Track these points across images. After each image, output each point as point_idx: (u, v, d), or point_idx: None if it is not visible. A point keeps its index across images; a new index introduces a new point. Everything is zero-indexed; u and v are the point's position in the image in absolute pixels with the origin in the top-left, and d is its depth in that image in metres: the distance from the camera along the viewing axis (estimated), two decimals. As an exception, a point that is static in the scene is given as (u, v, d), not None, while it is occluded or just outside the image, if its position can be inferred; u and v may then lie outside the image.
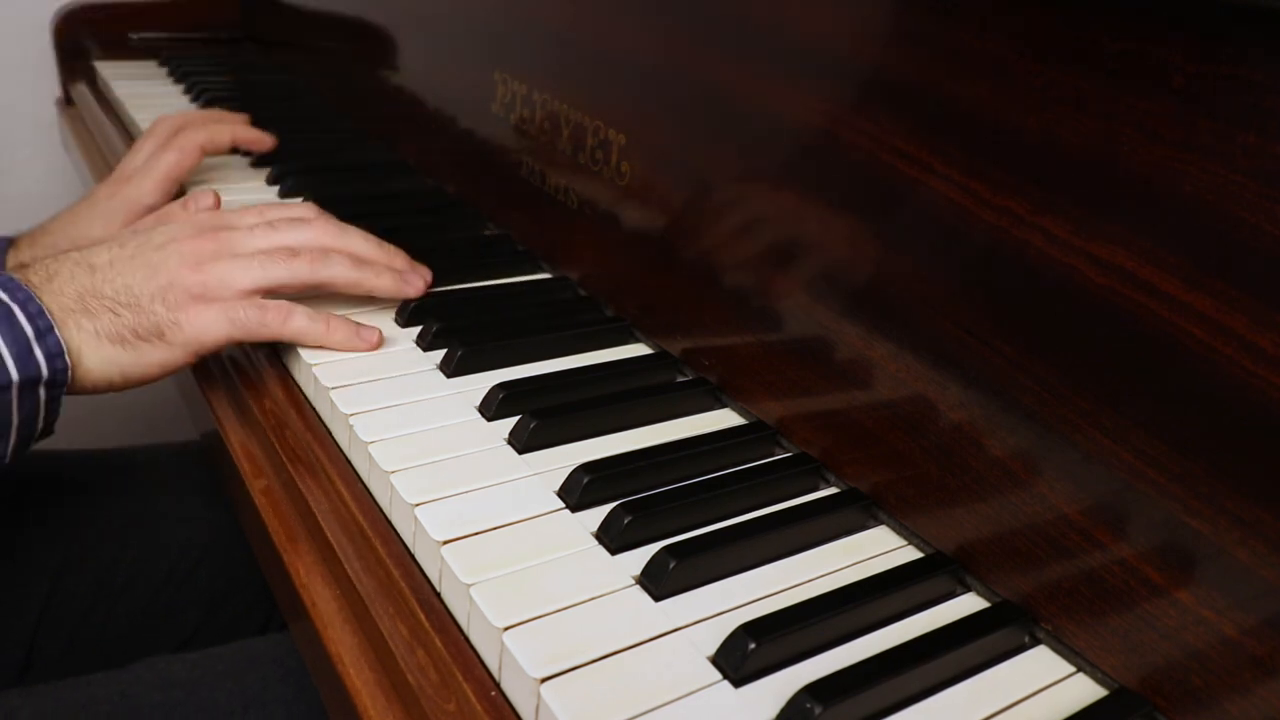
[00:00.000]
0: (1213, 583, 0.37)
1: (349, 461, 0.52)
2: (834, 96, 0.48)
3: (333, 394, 0.53)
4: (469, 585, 0.41)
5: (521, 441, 0.51)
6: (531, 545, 0.44)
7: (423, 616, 0.42)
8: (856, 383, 0.49)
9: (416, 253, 0.73)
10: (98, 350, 0.53)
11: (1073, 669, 0.41)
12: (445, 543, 0.43)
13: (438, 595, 0.43)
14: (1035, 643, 0.43)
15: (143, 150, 0.79)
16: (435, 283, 0.66)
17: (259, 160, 0.89)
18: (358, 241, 0.62)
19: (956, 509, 0.45)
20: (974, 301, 0.43)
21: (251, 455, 0.56)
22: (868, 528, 0.49)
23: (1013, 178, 0.41)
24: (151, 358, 0.54)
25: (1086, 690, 0.41)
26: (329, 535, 0.48)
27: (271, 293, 0.57)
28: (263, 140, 0.87)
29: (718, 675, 0.38)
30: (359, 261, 0.60)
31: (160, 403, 1.40)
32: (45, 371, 0.50)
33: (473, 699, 0.38)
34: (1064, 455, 0.41)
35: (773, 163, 0.53)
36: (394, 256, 0.63)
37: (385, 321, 0.62)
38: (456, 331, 0.60)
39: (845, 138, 0.48)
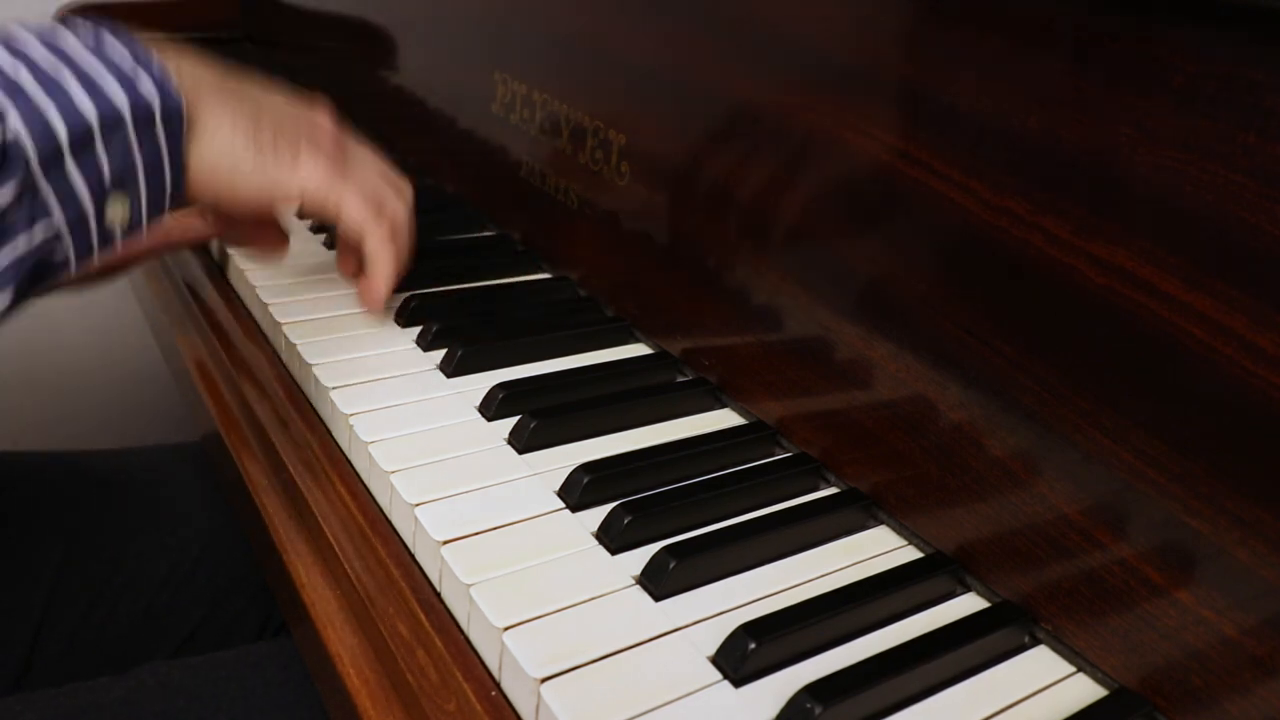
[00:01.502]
0: (1213, 583, 0.37)
1: (349, 461, 0.52)
2: (834, 97, 0.48)
3: (333, 394, 0.53)
4: (469, 585, 0.41)
5: (521, 441, 0.51)
6: (531, 545, 0.44)
7: (423, 616, 0.42)
8: (856, 383, 0.49)
9: (416, 253, 0.73)
10: (226, 136, 0.48)
11: (1073, 669, 0.41)
12: (445, 543, 0.43)
13: (438, 595, 0.43)
14: (1035, 643, 0.43)
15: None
16: (436, 283, 0.66)
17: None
18: (406, 241, 0.61)
19: (956, 509, 0.45)
20: (974, 301, 0.43)
21: (252, 455, 0.56)
22: (868, 528, 0.49)
23: (1013, 178, 0.41)
24: (270, 173, 0.50)
25: (1086, 690, 0.41)
26: (329, 535, 0.48)
27: (341, 224, 0.57)
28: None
29: (718, 675, 0.38)
30: (399, 255, 0.60)
31: (160, 403, 1.40)
32: (158, 101, 0.44)
33: (473, 699, 0.38)
34: (1064, 455, 0.41)
35: (773, 163, 0.53)
36: (403, 266, 0.62)
37: (386, 321, 0.62)
38: (456, 331, 0.60)
39: (845, 138, 0.48)
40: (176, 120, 0.45)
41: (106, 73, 0.43)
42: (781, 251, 0.52)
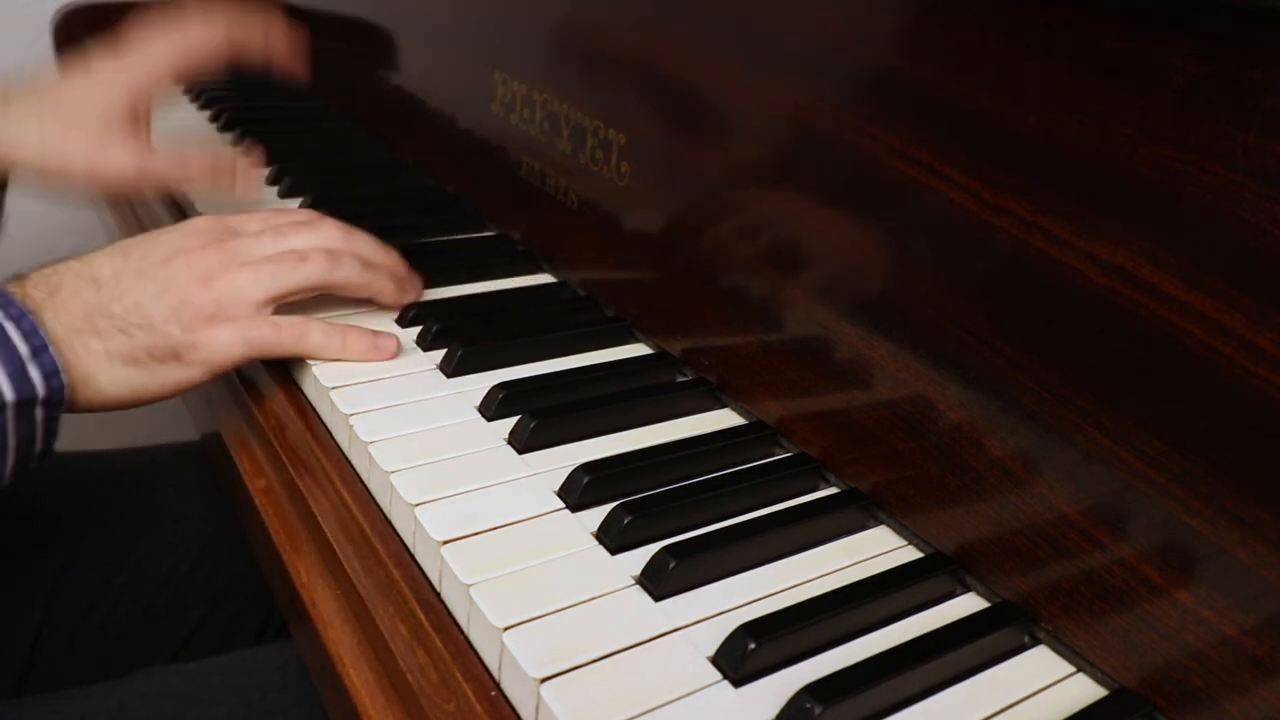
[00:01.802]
0: (1213, 583, 0.37)
1: (349, 461, 0.52)
2: (834, 97, 0.48)
3: (332, 394, 0.53)
4: (469, 585, 0.41)
5: (521, 441, 0.51)
6: (531, 545, 0.44)
7: (423, 616, 0.42)
8: (856, 383, 0.49)
9: (416, 253, 0.73)
10: (110, 371, 0.51)
11: (1073, 669, 0.41)
12: (445, 543, 0.43)
13: (438, 595, 0.43)
14: (1035, 643, 0.43)
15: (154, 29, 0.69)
16: (435, 283, 0.66)
17: (259, 160, 0.88)
18: (364, 244, 0.60)
19: (956, 509, 0.45)
20: (974, 301, 0.43)
21: (251, 455, 0.56)
22: (868, 528, 0.49)
23: (1013, 178, 0.41)
24: (167, 378, 0.53)
25: (1086, 690, 0.41)
26: (329, 535, 0.48)
27: (285, 300, 0.56)
28: (295, 67, 0.77)
29: (718, 675, 0.38)
30: (367, 264, 0.59)
31: (161, 404, 1.40)
32: (41, 391, 0.48)
33: (473, 699, 0.38)
34: (1064, 455, 0.41)
35: (773, 163, 0.53)
36: (396, 261, 0.62)
37: (386, 321, 0.62)
38: (456, 331, 0.60)
39: (845, 138, 0.48)
40: (57, 403, 0.49)
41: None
42: (781, 251, 0.52)
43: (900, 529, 0.48)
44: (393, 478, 0.47)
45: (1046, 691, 0.40)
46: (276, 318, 0.55)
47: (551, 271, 0.72)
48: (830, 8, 0.48)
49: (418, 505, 0.45)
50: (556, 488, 0.48)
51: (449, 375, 0.57)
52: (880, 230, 0.47)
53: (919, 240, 0.46)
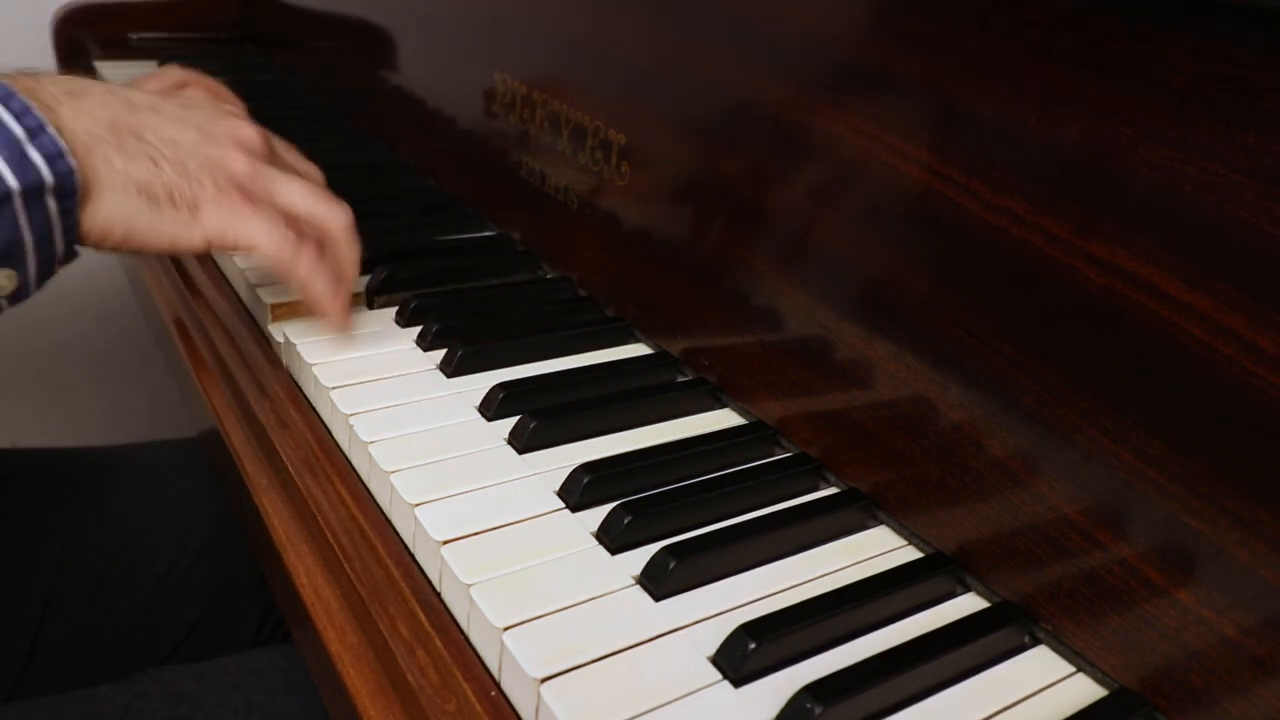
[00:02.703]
0: (1213, 583, 0.37)
1: (349, 461, 0.52)
2: (833, 97, 0.48)
3: (333, 394, 0.53)
4: (469, 585, 0.41)
5: (521, 441, 0.51)
6: (531, 545, 0.44)
7: (423, 616, 0.42)
8: (856, 383, 0.49)
9: (416, 253, 0.73)
10: (120, 194, 0.46)
11: (1073, 669, 0.41)
12: (445, 543, 0.43)
13: (438, 595, 0.43)
14: (1035, 643, 0.43)
15: (147, 87, 0.75)
16: (435, 283, 0.66)
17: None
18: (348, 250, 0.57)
19: (956, 509, 0.45)
20: (974, 301, 0.43)
21: (251, 455, 0.56)
22: (868, 528, 0.49)
23: (1013, 178, 0.41)
24: (169, 227, 0.48)
25: (1086, 690, 0.41)
26: (329, 535, 0.48)
27: (304, 223, 0.54)
28: None
29: (718, 675, 0.38)
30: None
31: (159, 401, 1.40)
32: (48, 175, 0.43)
33: (473, 699, 0.38)
34: (1064, 455, 0.41)
35: (772, 163, 0.53)
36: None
37: (386, 322, 0.62)
38: (456, 331, 0.60)
39: (845, 138, 0.48)
40: (69, 191, 0.45)
41: None
42: (781, 251, 0.52)
43: (900, 529, 0.48)
44: (393, 478, 0.47)
45: (1046, 691, 0.40)
46: (300, 236, 0.52)
47: (551, 271, 0.72)
48: (830, 7, 0.48)
49: (418, 505, 0.45)
50: (556, 488, 0.48)
51: (449, 375, 0.57)
52: (880, 230, 0.47)
53: (919, 240, 0.46)
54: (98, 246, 0.48)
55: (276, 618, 0.77)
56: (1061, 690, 0.40)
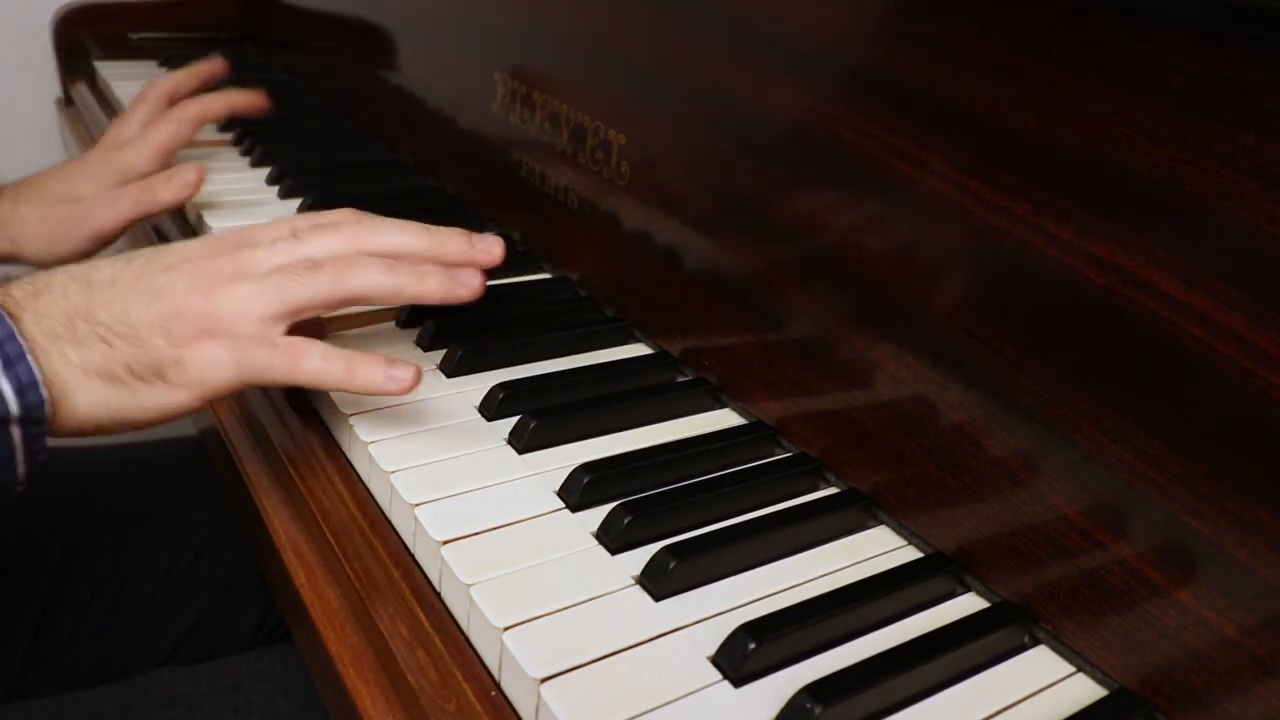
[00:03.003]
0: (1213, 583, 0.37)
1: (349, 461, 0.51)
2: (834, 96, 0.48)
3: (333, 394, 0.53)
4: (469, 585, 0.41)
5: (521, 441, 0.51)
6: (531, 545, 0.44)
7: (423, 616, 0.42)
8: (856, 383, 0.49)
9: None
10: (85, 387, 0.45)
11: (1073, 669, 0.41)
12: (445, 543, 0.43)
13: (438, 595, 0.43)
14: (1035, 643, 0.43)
15: (134, 118, 0.78)
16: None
17: (259, 159, 0.89)
18: (392, 234, 0.52)
19: (956, 509, 0.45)
20: (974, 301, 0.43)
21: (251, 455, 0.56)
22: (868, 528, 0.49)
23: (1013, 178, 0.41)
24: (149, 400, 0.47)
25: (1086, 690, 0.41)
26: (329, 535, 0.48)
27: (296, 317, 0.49)
28: (255, 101, 0.84)
29: (718, 675, 0.38)
30: (393, 265, 0.51)
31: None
32: (15, 407, 0.42)
33: (473, 699, 0.38)
34: (1064, 455, 0.41)
35: (773, 163, 0.53)
36: (445, 242, 0.53)
37: (385, 322, 0.62)
38: (456, 331, 0.60)
39: (845, 138, 0.48)
40: (37, 420, 0.44)
41: None
42: (781, 251, 0.52)
43: (900, 529, 0.48)
44: (393, 478, 0.47)
45: (1046, 691, 0.40)
46: (276, 338, 0.48)
47: (551, 271, 0.72)
48: (831, 7, 0.48)
49: (418, 505, 0.45)
50: (556, 488, 0.48)
51: (449, 375, 0.57)
52: (880, 230, 0.47)
53: (919, 240, 0.46)
54: (99, 433, 0.47)
55: (276, 618, 0.77)
56: (1061, 690, 0.40)
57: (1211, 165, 0.35)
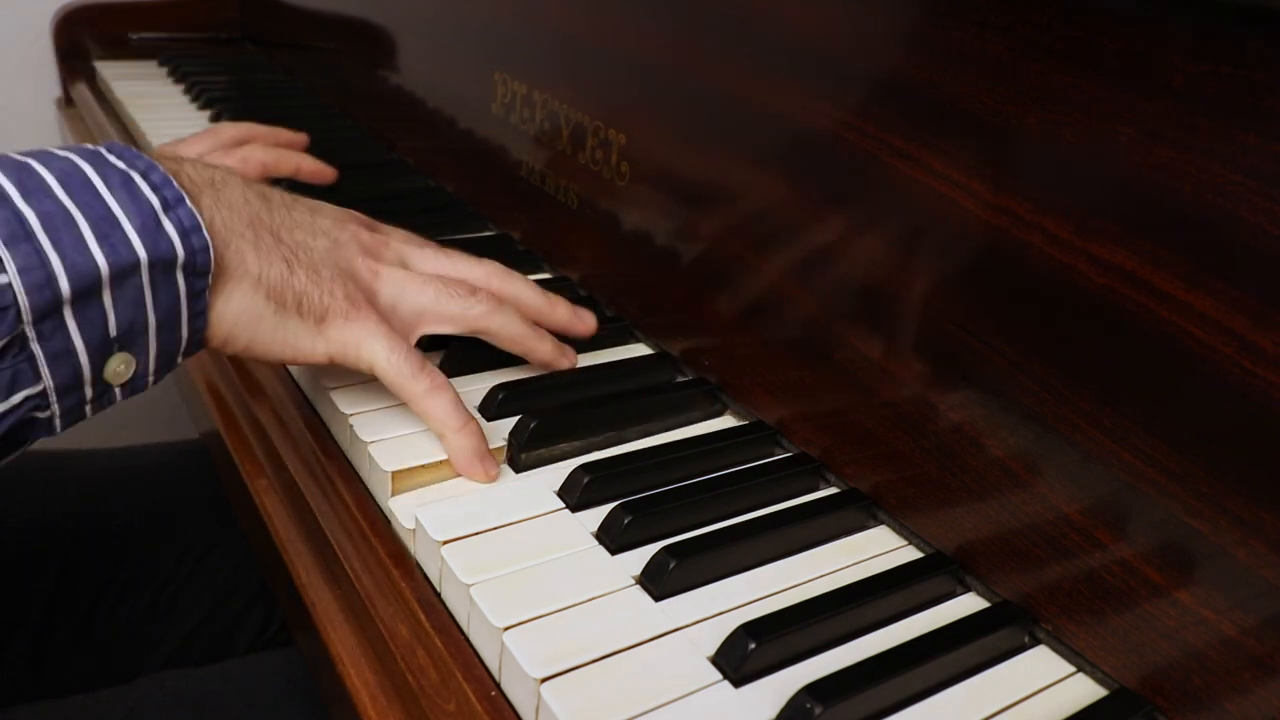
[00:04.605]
0: (1213, 583, 0.37)
1: (349, 462, 0.51)
2: (834, 96, 0.48)
3: (333, 394, 0.53)
4: (469, 585, 0.41)
5: (521, 442, 0.51)
6: (531, 545, 0.44)
7: (423, 616, 0.42)
8: (856, 383, 0.49)
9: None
10: (248, 294, 0.43)
11: (1073, 669, 0.41)
12: (445, 543, 0.43)
13: (438, 595, 0.43)
14: (1035, 643, 0.43)
15: (193, 147, 0.73)
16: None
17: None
18: (525, 290, 0.55)
19: (956, 509, 0.45)
20: (974, 301, 0.43)
21: (252, 455, 0.56)
22: (868, 528, 0.49)
23: (1013, 178, 0.41)
24: (292, 337, 0.45)
25: (1086, 690, 0.41)
26: (329, 535, 0.48)
27: (437, 329, 0.51)
28: (324, 173, 0.79)
29: (718, 675, 0.38)
30: (524, 318, 0.54)
31: (160, 402, 1.40)
32: (180, 250, 0.39)
33: (473, 699, 0.38)
34: (1064, 455, 0.41)
35: (773, 163, 0.53)
36: (555, 306, 0.57)
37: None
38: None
39: (845, 137, 0.48)
40: (202, 272, 0.41)
41: (125, 219, 0.38)
42: (781, 251, 0.52)
43: (900, 529, 0.48)
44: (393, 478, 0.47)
45: (1046, 691, 0.40)
46: (424, 357, 0.49)
47: (551, 271, 0.72)
48: (831, 7, 0.48)
49: (418, 505, 0.45)
50: (556, 488, 0.48)
51: (449, 375, 0.56)
52: (880, 230, 0.47)
53: (919, 240, 0.46)
54: (216, 349, 0.45)
55: (278, 621, 0.77)
56: (1061, 690, 0.40)
57: (1211, 165, 0.35)
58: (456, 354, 0.57)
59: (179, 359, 0.43)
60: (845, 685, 0.37)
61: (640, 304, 0.63)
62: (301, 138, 0.82)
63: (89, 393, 0.40)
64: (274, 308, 0.44)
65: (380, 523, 0.47)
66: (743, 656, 0.38)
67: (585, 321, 0.59)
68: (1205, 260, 0.36)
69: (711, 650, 0.39)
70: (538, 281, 0.70)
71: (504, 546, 0.44)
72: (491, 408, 0.53)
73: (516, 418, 0.52)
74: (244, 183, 0.46)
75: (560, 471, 0.49)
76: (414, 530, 0.45)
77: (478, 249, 0.75)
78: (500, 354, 0.58)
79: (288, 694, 0.61)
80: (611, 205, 0.64)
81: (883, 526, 0.49)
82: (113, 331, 0.39)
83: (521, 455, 0.50)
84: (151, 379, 0.42)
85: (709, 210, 0.57)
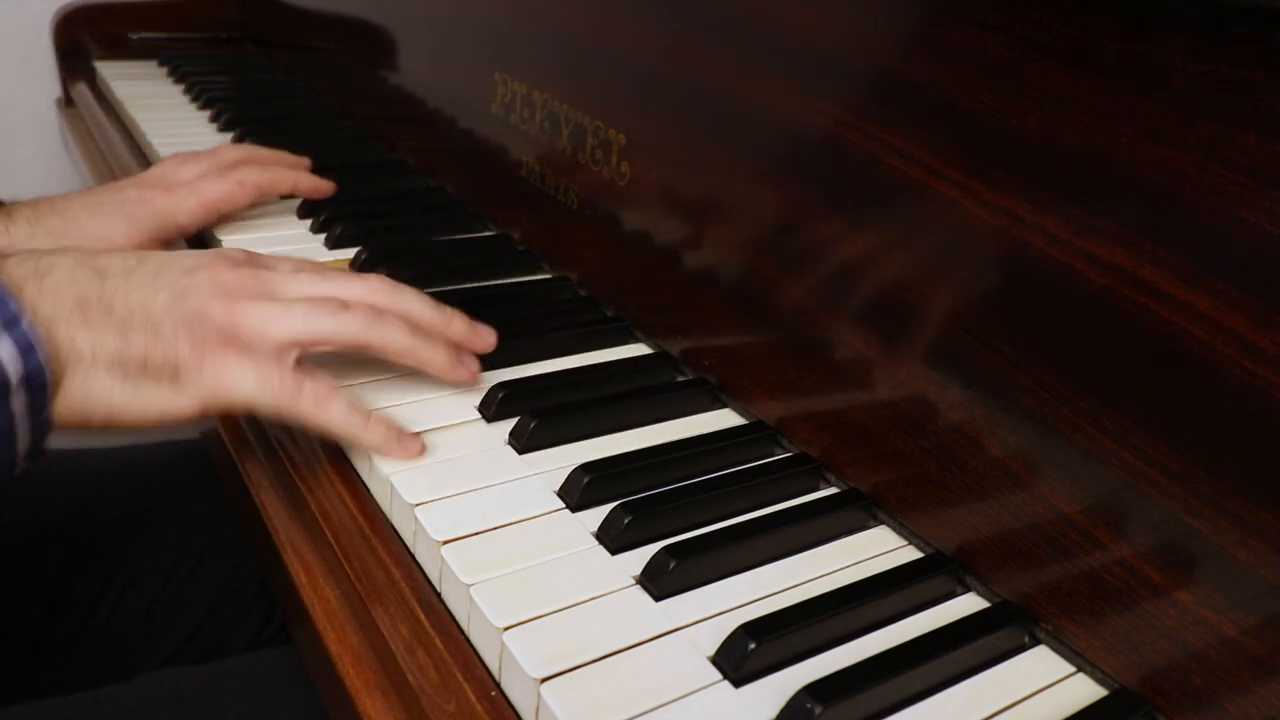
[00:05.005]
0: (1213, 583, 0.37)
1: (349, 462, 0.51)
2: (834, 97, 0.48)
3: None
4: (469, 585, 0.41)
5: (521, 441, 0.51)
6: (531, 545, 0.44)
7: (423, 616, 0.42)
8: (856, 383, 0.49)
9: (416, 252, 0.73)
10: (91, 375, 0.43)
11: (1073, 669, 0.41)
12: (445, 543, 0.43)
13: (438, 595, 0.43)
14: (1035, 643, 0.43)
15: (193, 166, 0.73)
16: (435, 283, 0.65)
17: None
18: (414, 303, 0.53)
19: (956, 509, 0.45)
20: (974, 301, 0.43)
21: (251, 455, 0.56)
22: (868, 528, 0.49)
23: (1013, 178, 0.41)
24: (153, 400, 0.45)
25: (1086, 690, 0.41)
26: (329, 535, 0.48)
27: (315, 348, 0.49)
28: (321, 189, 0.78)
29: (718, 675, 0.38)
30: (416, 327, 0.52)
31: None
32: (15, 370, 0.39)
33: (473, 699, 0.38)
34: (1064, 455, 0.41)
35: (773, 163, 0.53)
36: (451, 320, 0.55)
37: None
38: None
39: (845, 138, 0.48)
40: (39, 386, 0.41)
41: None
42: (781, 250, 0.52)
43: (900, 529, 0.48)
44: (393, 478, 0.47)
45: (1046, 691, 0.40)
46: (302, 371, 0.48)
47: (551, 271, 0.72)
48: (831, 7, 0.48)
49: (418, 505, 0.45)
50: (556, 488, 0.48)
51: (449, 375, 0.57)
52: (880, 230, 0.47)
53: (919, 240, 0.46)
54: (84, 429, 0.44)
55: (278, 620, 0.77)
56: (1061, 690, 0.40)
57: (1211, 165, 0.35)
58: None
59: (17, 468, 0.42)
60: (845, 685, 0.37)
61: (640, 304, 0.63)
62: (304, 161, 0.80)
63: None
64: (120, 377, 0.44)
65: (380, 522, 0.47)
66: (743, 656, 0.38)
67: (484, 338, 0.56)
68: (1205, 260, 0.36)
69: (711, 650, 0.39)
70: (538, 281, 0.70)
71: (504, 546, 0.44)
72: (491, 408, 0.53)
73: (516, 418, 0.52)
74: (75, 261, 0.45)
75: (560, 472, 0.49)
76: (414, 530, 0.45)
77: (478, 249, 0.76)
78: (499, 354, 0.58)
79: (287, 692, 0.61)
80: (611, 205, 0.64)
81: (883, 526, 0.49)
82: None
83: (522, 455, 0.50)
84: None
85: (709, 210, 0.57)
